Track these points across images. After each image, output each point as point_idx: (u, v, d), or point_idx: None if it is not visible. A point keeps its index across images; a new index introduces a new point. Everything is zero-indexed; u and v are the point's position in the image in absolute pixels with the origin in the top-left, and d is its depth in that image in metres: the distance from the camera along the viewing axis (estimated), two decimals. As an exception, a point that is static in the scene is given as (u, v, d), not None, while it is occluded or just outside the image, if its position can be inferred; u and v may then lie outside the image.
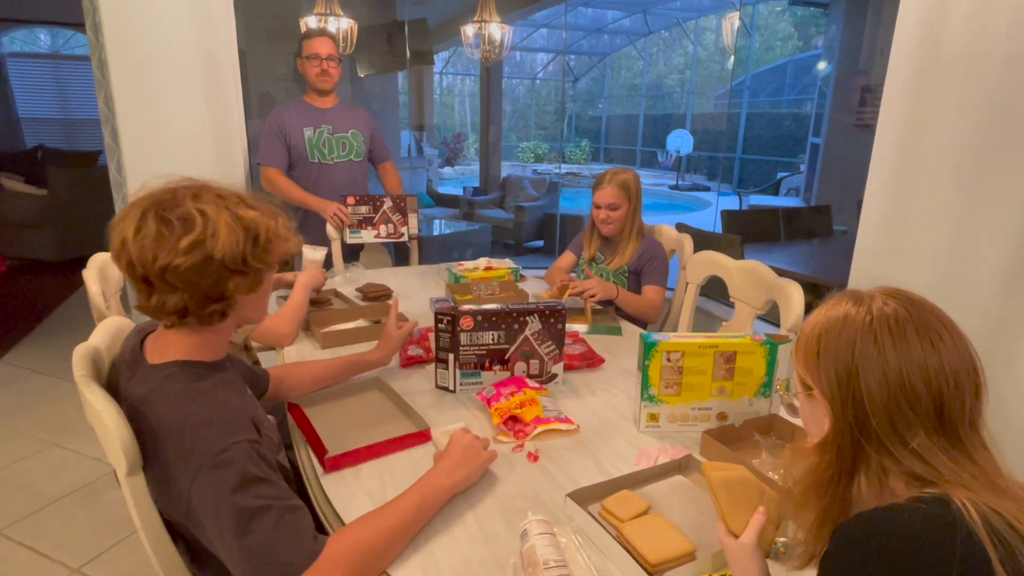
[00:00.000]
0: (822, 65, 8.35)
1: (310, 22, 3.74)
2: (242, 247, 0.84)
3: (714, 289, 1.98)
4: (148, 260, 0.80)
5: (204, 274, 0.82)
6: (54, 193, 4.61)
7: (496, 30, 4.00)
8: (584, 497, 0.94)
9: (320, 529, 0.85)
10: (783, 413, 1.17)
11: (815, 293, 2.48)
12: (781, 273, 1.60)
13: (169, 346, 0.88)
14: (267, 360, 1.68)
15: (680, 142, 12.08)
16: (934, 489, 0.57)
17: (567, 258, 2.20)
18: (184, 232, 0.80)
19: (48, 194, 4.62)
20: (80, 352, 0.91)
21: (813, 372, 0.67)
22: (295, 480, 1.11)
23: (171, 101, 2.10)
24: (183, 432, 0.78)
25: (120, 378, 0.90)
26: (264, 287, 0.92)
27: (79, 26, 2.05)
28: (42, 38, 7.14)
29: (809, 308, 0.84)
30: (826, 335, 0.66)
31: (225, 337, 0.94)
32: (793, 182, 8.84)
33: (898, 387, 0.60)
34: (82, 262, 1.51)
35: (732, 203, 9.05)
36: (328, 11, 3.70)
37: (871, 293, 0.67)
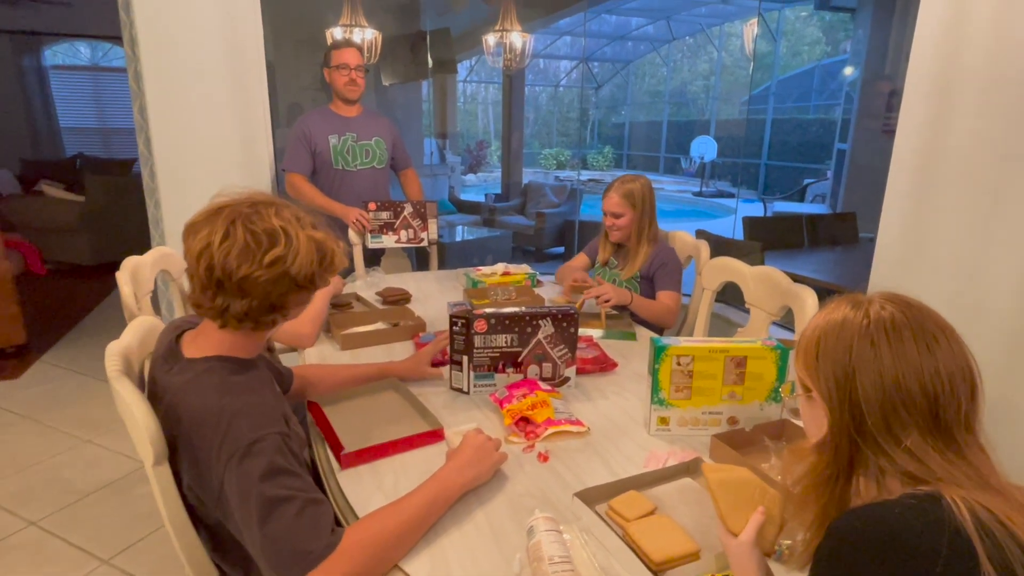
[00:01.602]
0: (849, 70, 8.22)
1: (336, 33, 3.84)
2: (314, 266, 0.92)
3: (731, 295, 1.98)
4: (232, 267, 0.86)
5: (277, 287, 0.89)
6: (91, 199, 4.79)
7: (517, 39, 4.05)
8: (591, 497, 0.96)
9: (335, 523, 0.89)
10: (790, 416, 1.17)
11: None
12: (801, 280, 1.60)
13: (209, 342, 0.93)
14: (288, 361, 1.73)
15: (704, 148, 11.97)
16: (927, 487, 0.58)
17: (580, 259, 2.21)
18: (270, 247, 0.87)
19: (86, 200, 4.80)
20: (112, 349, 0.96)
21: (812, 374, 0.68)
22: (312, 475, 1.15)
23: (202, 111, 2.19)
24: (219, 421, 0.83)
25: (157, 372, 0.95)
26: (310, 299, 0.99)
27: (117, 39, 2.15)
28: (82, 51, 7.43)
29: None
30: (824, 338, 0.67)
31: (263, 339, 1.00)
32: (819, 188, 8.69)
33: (893, 389, 0.61)
34: (117, 266, 1.57)
35: (756, 210, 8.93)
36: (353, 22, 3.80)
37: (870, 297, 0.68)
